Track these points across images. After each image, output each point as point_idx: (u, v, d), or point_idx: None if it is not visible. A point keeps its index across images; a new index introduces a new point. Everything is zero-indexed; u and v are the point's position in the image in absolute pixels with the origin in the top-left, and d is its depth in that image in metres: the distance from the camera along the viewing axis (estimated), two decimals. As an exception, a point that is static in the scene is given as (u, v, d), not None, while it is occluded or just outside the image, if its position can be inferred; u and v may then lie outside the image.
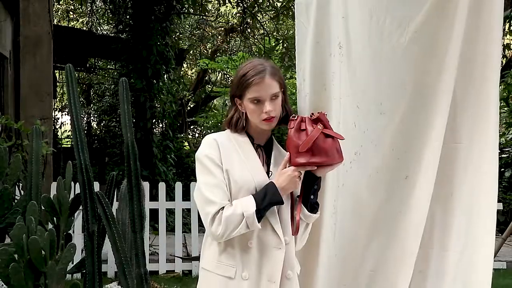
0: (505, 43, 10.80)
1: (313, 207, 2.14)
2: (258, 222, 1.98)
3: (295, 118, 2.05)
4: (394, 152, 2.28)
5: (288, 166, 2.03)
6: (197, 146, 14.19)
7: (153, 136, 8.72)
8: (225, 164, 2.06)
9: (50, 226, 4.26)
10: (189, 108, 16.38)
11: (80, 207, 4.24)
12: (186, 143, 13.94)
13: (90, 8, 13.97)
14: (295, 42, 2.58)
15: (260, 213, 1.98)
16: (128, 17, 9.92)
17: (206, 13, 11.31)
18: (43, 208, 4.21)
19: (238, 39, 16.04)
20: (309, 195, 2.10)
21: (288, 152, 2.05)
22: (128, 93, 4.47)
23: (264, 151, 2.19)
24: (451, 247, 2.34)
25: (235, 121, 2.15)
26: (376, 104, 2.25)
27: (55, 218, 4.22)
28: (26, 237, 3.65)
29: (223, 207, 2.00)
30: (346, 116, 2.34)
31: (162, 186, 6.26)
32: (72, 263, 4.44)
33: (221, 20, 15.42)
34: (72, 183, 5.02)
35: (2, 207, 4.52)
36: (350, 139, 2.28)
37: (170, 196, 6.99)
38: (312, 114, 2.05)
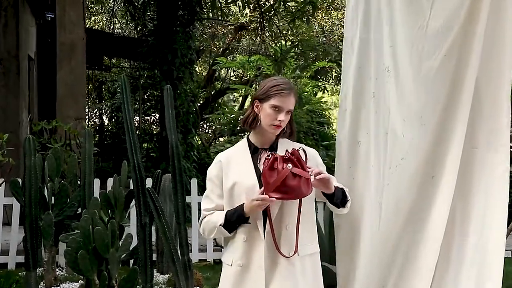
0: None
1: (344, 203, 2.54)
2: (229, 232, 2.43)
3: (269, 157, 2.33)
4: (425, 157, 2.80)
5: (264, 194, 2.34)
6: (208, 142, 14.57)
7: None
8: (225, 177, 2.49)
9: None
10: (199, 104, 16.78)
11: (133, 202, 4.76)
12: (198, 139, 14.35)
13: (111, 8, 14.40)
14: (341, 69, 3.10)
15: (230, 226, 2.43)
16: (152, 21, 10.42)
17: (225, 17, 11.79)
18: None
19: (249, 37, 16.51)
20: (333, 202, 2.52)
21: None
22: (172, 99, 4.97)
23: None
24: (470, 234, 2.84)
25: (250, 120, 2.52)
26: (418, 117, 2.78)
27: (109, 211, 4.73)
28: (92, 228, 4.15)
29: (206, 215, 2.53)
30: (395, 127, 2.87)
31: (194, 182, 6.78)
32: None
33: (231, 19, 15.82)
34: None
35: (60, 201, 5.06)
36: (398, 146, 2.83)
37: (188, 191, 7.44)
38: (287, 151, 2.40)
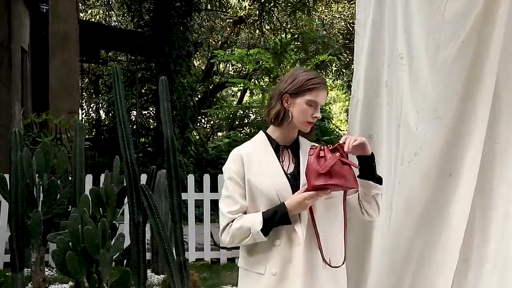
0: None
1: (380, 180, 2.28)
2: (265, 236, 2.14)
3: (315, 146, 2.17)
4: (441, 153, 2.55)
5: (305, 191, 2.14)
6: (206, 137, 14.35)
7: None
8: (248, 175, 2.22)
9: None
10: (196, 99, 16.53)
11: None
12: (196, 134, 14.11)
13: (107, 0, 14.12)
14: (354, 53, 2.84)
15: (267, 230, 2.15)
16: (149, 12, 10.14)
17: (224, 9, 11.51)
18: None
19: (247, 30, 16.21)
20: (373, 173, 2.25)
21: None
22: (167, 92, 4.71)
23: (291, 150, 2.35)
24: (491, 237, 2.60)
25: (281, 116, 2.26)
26: (433, 109, 2.52)
27: (101, 209, 4.47)
28: (81, 227, 3.90)
29: (233, 220, 2.19)
30: (408, 120, 2.61)
31: (191, 178, 6.52)
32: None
33: (229, 12, 15.53)
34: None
35: (49, 198, 4.79)
36: (412, 140, 2.57)
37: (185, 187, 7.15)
38: (330, 145, 2.20)
